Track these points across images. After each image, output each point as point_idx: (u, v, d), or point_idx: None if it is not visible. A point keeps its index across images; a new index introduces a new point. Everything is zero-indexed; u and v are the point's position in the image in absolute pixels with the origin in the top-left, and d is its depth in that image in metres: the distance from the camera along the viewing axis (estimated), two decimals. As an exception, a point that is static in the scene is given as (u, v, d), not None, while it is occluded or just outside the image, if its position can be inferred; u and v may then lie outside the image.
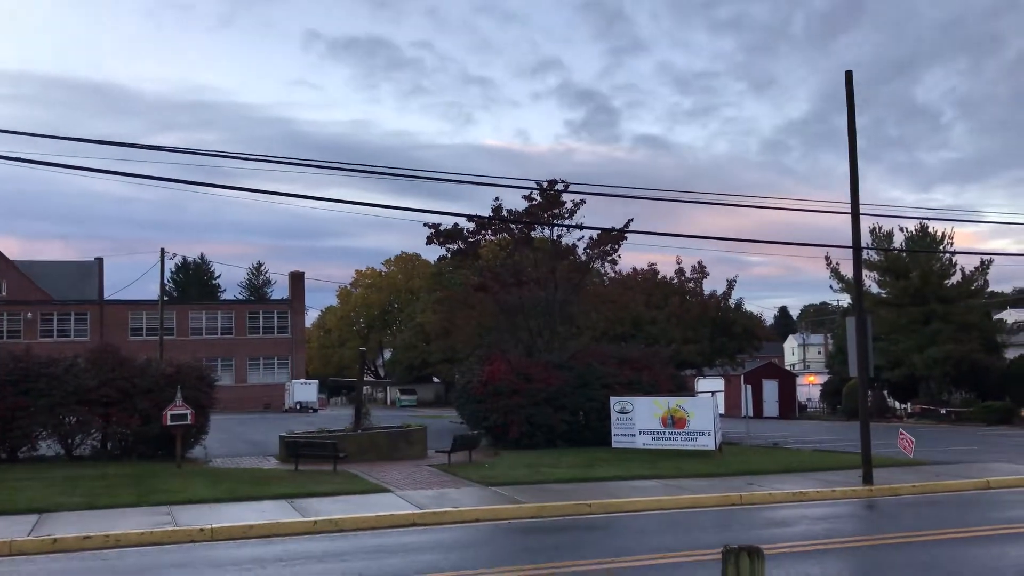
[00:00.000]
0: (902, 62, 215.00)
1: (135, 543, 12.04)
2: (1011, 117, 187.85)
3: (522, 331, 30.34)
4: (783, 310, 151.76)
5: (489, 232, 30.06)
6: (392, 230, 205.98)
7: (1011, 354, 49.41)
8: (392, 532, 13.19)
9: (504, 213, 28.63)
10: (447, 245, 29.75)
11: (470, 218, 26.51)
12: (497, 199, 29.07)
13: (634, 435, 23.40)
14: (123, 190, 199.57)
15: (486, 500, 15.57)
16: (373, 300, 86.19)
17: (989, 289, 53.51)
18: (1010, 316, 66.75)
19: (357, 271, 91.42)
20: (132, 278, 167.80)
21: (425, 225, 28.87)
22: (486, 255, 32.00)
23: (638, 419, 23.41)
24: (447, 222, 28.95)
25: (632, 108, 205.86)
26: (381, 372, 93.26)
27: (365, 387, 30.07)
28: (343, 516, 13.75)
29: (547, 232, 30.47)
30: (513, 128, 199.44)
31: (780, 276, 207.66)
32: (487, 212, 28.80)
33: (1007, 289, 77.24)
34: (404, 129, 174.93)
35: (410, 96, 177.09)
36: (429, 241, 29.28)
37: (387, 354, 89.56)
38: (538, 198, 28.25)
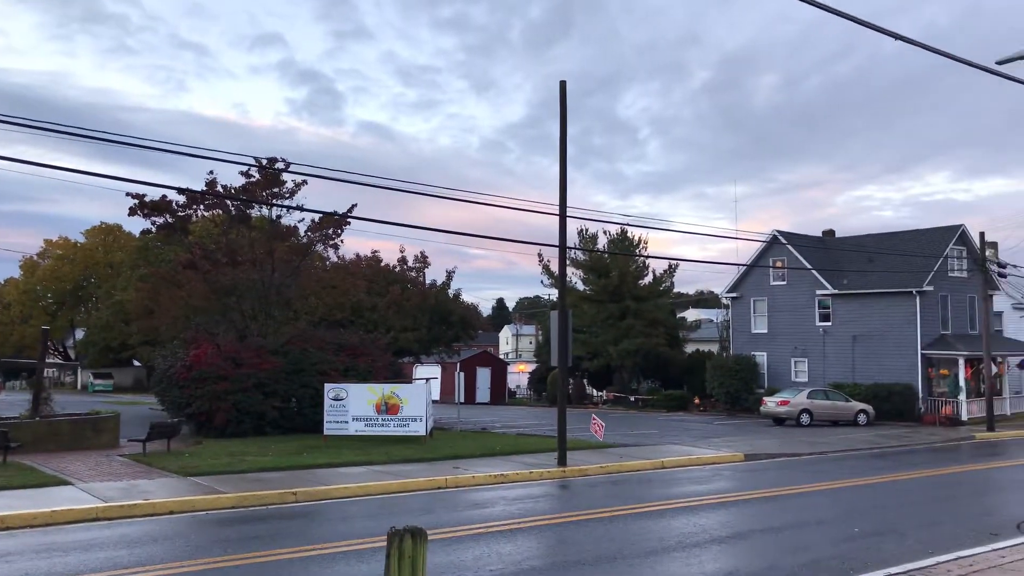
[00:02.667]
0: (606, 78, 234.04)
1: None
2: (694, 138, 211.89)
3: (235, 314, 28.90)
4: (500, 302, 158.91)
5: (202, 207, 28.23)
6: (91, 197, 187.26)
7: (690, 348, 55.79)
8: (70, 528, 11.98)
9: (219, 188, 27.04)
10: (153, 218, 27.49)
11: (181, 191, 24.63)
12: (212, 173, 27.39)
13: (347, 422, 23.25)
14: None
15: (183, 491, 14.65)
16: (65, 273, 77.37)
17: (675, 290, 59.92)
18: (691, 315, 75.23)
19: (47, 241, 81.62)
20: None
21: (129, 195, 26.46)
22: (198, 231, 30.06)
23: (352, 406, 23.28)
24: (154, 193, 26.78)
25: (357, 94, 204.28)
26: (72, 354, 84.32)
27: (51, 370, 27.00)
28: (9, 512, 12.24)
29: (266, 212, 29.26)
30: (230, 100, 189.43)
31: (499, 270, 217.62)
32: (200, 186, 27.04)
33: (691, 291, 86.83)
34: (107, 87, 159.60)
35: (111, 54, 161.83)
36: (132, 212, 26.87)
37: (80, 334, 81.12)
38: (257, 175, 27.01)
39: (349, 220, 27.47)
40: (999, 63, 13.54)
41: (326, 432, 23.22)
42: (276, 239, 28.44)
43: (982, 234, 36.28)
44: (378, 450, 20.81)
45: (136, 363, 75.27)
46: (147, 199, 26.60)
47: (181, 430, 23.64)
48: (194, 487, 15.08)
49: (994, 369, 35.40)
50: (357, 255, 38.17)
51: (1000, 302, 42.42)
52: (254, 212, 29.51)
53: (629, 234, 52.25)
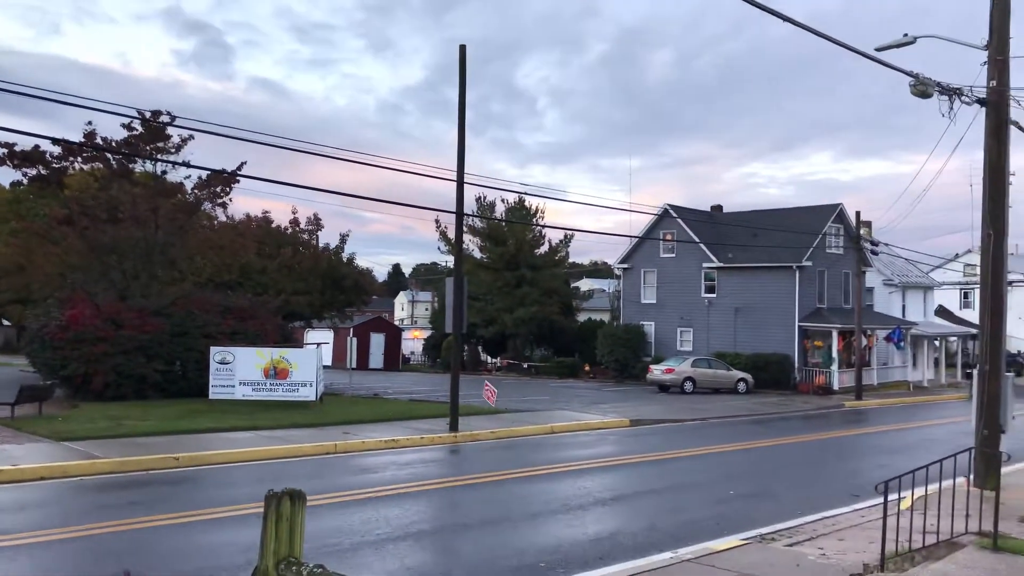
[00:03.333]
0: (506, 45, 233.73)
1: None
2: (591, 110, 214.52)
3: (116, 273, 27.59)
4: (396, 267, 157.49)
5: (79, 160, 26.70)
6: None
7: (583, 317, 56.84)
8: (-73, 497, 11.28)
9: (99, 140, 25.59)
10: (25, 169, 25.83)
11: (56, 141, 23.13)
12: (91, 124, 25.87)
13: (234, 386, 22.69)
14: None
15: (55, 456, 14.00)
16: (-75, 226, 71.98)
17: (571, 260, 60.78)
18: (585, 284, 76.54)
19: (-96, 190, 75.61)
20: None
21: (-3, 143, 24.73)
22: (76, 186, 28.41)
23: (239, 370, 22.72)
24: (26, 143, 25.12)
25: (248, 48, 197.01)
26: (-68, 313, 78.81)
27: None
28: None
29: (150, 167, 27.94)
30: (111, 49, 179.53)
31: (396, 234, 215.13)
32: (78, 137, 25.50)
33: (586, 261, 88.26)
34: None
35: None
36: (0, 162, 25.16)
37: (-58, 292, 75.80)
38: (140, 128, 25.70)
39: (239, 178, 26.59)
40: (878, 50, 14.19)
41: (212, 396, 22.60)
42: (161, 196, 27.21)
43: (858, 213, 38.28)
44: (266, 415, 20.41)
45: (5, 323, 71.08)
46: (17, 148, 24.95)
47: (55, 393, 22.52)
48: (68, 452, 14.43)
49: (864, 342, 37.54)
50: (247, 215, 36.99)
51: (872, 278, 44.89)
52: (137, 167, 28.09)
53: (527, 203, 52.58)
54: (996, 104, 13.10)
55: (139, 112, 23.80)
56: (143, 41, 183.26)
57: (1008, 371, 13.76)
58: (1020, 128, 14.57)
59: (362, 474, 13.85)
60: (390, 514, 10.52)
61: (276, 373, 22.75)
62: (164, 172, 27.84)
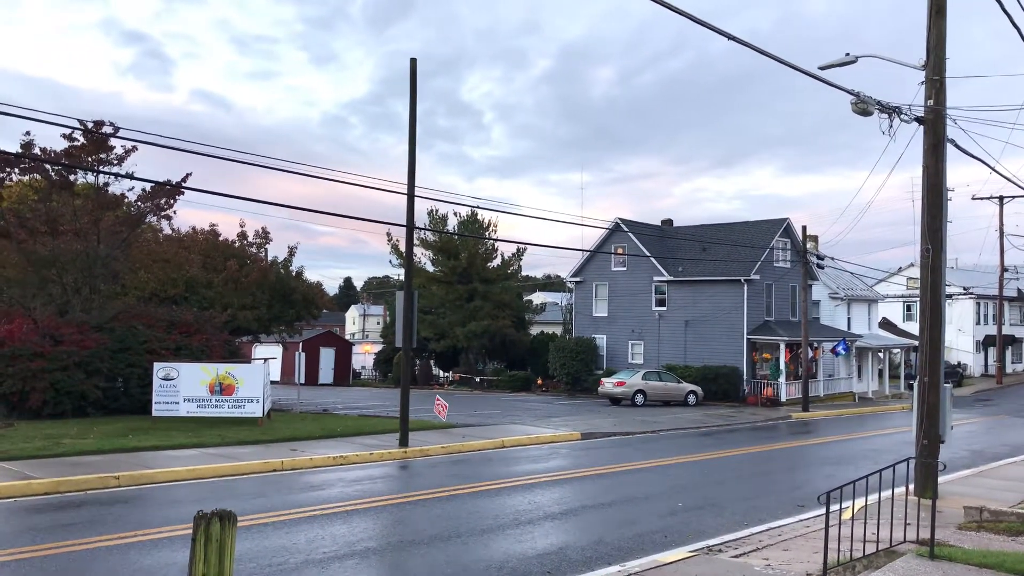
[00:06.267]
0: (448, 60, 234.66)
1: None
2: (537, 125, 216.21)
3: (55, 287, 26.83)
4: (348, 281, 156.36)
5: (16, 172, 25.95)
6: None
7: (535, 331, 56.93)
8: None
9: (37, 151, 24.91)
10: (-41, 181, 25.01)
11: (-8, 152, 22.49)
12: (29, 134, 25.21)
13: (178, 403, 22.14)
14: None
15: (-13, 478, 13.50)
16: None
17: (523, 273, 60.95)
18: (538, 298, 76.75)
19: None
20: None
21: (-71, 154, 23.90)
22: (13, 198, 27.60)
23: (184, 386, 22.20)
24: (-38, 153, 24.31)
25: (188, 59, 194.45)
26: None
27: None
28: None
29: (92, 179, 27.28)
30: (47, 58, 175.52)
31: (347, 248, 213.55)
32: (15, 148, 24.80)
33: (539, 274, 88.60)
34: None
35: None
36: (-65, 174, 24.34)
37: None
38: (81, 139, 25.09)
39: (183, 190, 26.09)
40: (821, 68, 14.52)
41: (155, 413, 22.03)
42: (103, 208, 26.57)
43: (804, 228, 39.09)
44: (211, 432, 19.99)
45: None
46: (-49, 159, 24.17)
47: (-11, 412, 21.79)
48: (1, 473, 13.93)
49: (811, 354, 38.22)
50: (193, 228, 36.34)
51: (818, 291, 45.81)
52: (78, 179, 27.40)
53: (479, 217, 52.60)
54: (933, 123, 13.49)
55: (81, 123, 23.26)
56: (81, 51, 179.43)
57: (947, 382, 14.11)
58: (957, 146, 15.00)
59: (309, 491, 13.61)
60: (337, 532, 10.34)
61: (222, 389, 22.29)
62: (106, 184, 27.22)
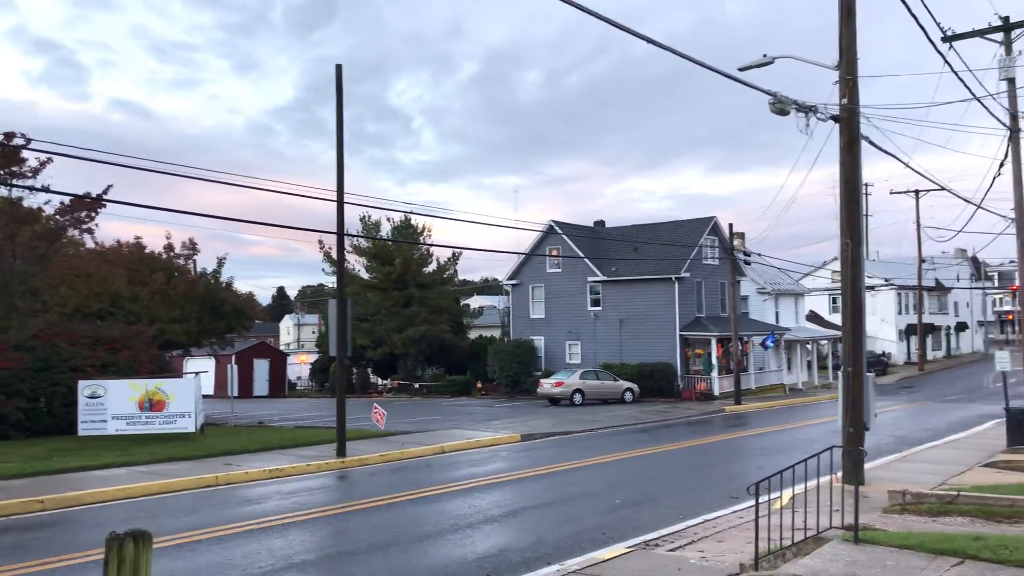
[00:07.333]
0: (375, 65, 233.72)
1: None
2: (466, 129, 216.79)
3: (-30, 306, 25.77)
4: (281, 290, 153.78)
5: (-77, 187, 24.89)
6: None
7: (474, 334, 56.96)
8: None
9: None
10: None
11: None
12: (-64, 147, 24.16)
13: (106, 421, 21.54)
14: None
15: (-99, 508, 12.89)
16: None
17: (461, 277, 60.96)
18: (476, 302, 76.81)
19: None
20: None
21: None
22: (-78, 214, 26.41)
23: (112, 403, 21.59)
24: None
25: (104, 68, 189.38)
26: None
27: None
28: None
29: (4, 192, 26.28)
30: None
31: (279, 256, 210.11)
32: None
33: (476, 278, 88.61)
34: None
35: None
36: None
37: None
38: (-7, 152, 24.17)
39: (104, 203, 25.34)
40: (740, 70, 14.90)
41: (81, 433, 21.37)
42: (17, 224, 25.62)
43: (731, 225, 39.93)
44: (142, 449, 19.47)
45: None
46: None
47: (-98, 439, 20.82)
48: (-84, 502, 13.32)
49: (741, 348, 39.12)
50: (118, 241, 35.29)
51: (747, 287, 46.87)
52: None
53: (413, 222, 52.36)
54: (848, 121, 13.96)
55: (-10, 134, 22.40)
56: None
57: (870, 371, 14.61)
58: (872, 143, 15.56)
59: (245, 505, 13.37)
60: (274, 545, 10.19)
61: (152, 405, 21.74)
62: (20, 198, 26.26)
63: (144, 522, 11.99)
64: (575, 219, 61.59)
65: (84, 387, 21.72)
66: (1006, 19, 24.92)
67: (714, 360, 39.55)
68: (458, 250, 56.10)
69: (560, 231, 44.66)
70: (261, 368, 55.70)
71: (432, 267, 53.54)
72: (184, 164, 17.13)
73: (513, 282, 46.99)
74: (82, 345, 25.42)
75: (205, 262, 64.01)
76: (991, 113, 24.06)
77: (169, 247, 35.03)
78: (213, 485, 15.52)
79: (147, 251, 34.91)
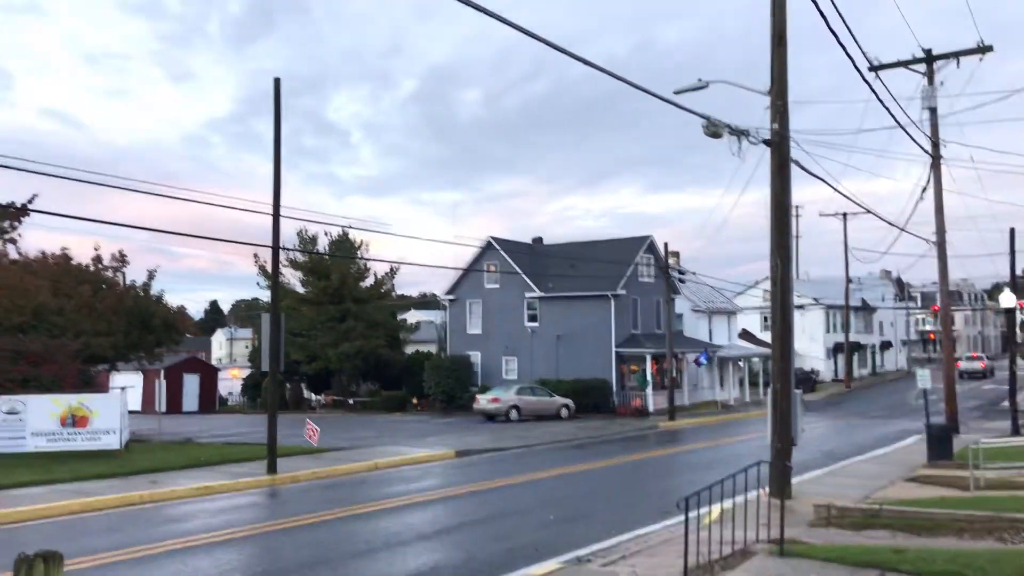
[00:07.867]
0: (313, 79, 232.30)
1: None
2: (405, 145, 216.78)
3: None
4: (214, 304, 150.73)
5: None
6: None
7: (411, 350, 56.54)
8: None
9: None
10: None
11: None
12: None
13: (24, 438, 20.74)
14: None
15: None
16: None
17: (399, 292, 60.50)
18: (413, 316, 76.30)
19: None
20: None
21: None
22: None
23: (32, 419, 20.81)
24: None
25: (31, 75, 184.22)
26: None
27: None
28: None
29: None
30: None
31: (212, 270, 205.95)
32: None
33: (414, 293, 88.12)
34: None
35: None
36: None
37: None
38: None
39: (29, 212, 24.47)
40: (676, 93, 15.21)
41: (-2, 451, 20.53)
42: (-64, 232, 24.61)
43: (666, 244, 40.60)
44: (63, 468, 18.77)
45: None
46: None
47: None
48: None
49: (675, 365, 39.69)
50: (43, 252, 34.06)
51: (681, 304, 47.63)
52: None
53: (351, 236, 51.85)
54: (779, 145, 14.36)
55: (-91, 138, 21.50)
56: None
57: (799, 388, 14.98)
58: (802, 167, 16.01)
59: (170, 524, 13.01)
60: (200, 565, 9.93)
61: (75, 421, 21.03)
62: (-61, 205, 25.21)
63: (62, 542, 11.55)
64: (514, 235, 62.10)
65: (1, 403, 20.89)
66: (928, 51, 26.04)
67: (649, 377, 40.03)
68: (396, 265, 55.75)
69: (498, 247, 44.78)
70: (191, 383, 54.29)
71: (370, 282, 53.05)
72: (115, 175, 16.75)
73: (451, 297, 46.89)
74: (1, 359, 24.43)
75: (136, 275, 62.33)
76: (914, 141, 25.06)
77: (98, 259, 33.96)
78: (138, 503, 15.07)
79: (74, 263, 33.76)
